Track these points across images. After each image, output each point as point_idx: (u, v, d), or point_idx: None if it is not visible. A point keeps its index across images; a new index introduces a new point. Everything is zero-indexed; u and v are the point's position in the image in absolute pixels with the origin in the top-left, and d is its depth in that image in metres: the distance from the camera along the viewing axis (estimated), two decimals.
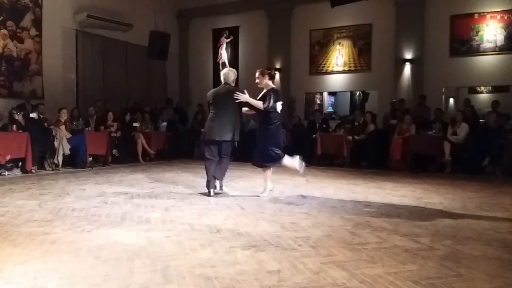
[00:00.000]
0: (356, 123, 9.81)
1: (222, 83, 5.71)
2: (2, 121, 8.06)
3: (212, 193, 5.49)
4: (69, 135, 8.52)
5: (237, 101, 5.44)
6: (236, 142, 5.73)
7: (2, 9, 9.28)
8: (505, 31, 9.62)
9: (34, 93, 9.71)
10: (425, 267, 2.86)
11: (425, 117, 9.70)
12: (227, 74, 5.70)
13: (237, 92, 5.46)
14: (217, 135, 5.48)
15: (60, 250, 3.18)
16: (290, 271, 2.76)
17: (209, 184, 5.54)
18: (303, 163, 5.67)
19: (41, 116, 8.52)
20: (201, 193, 5.67)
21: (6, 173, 7.49)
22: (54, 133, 8.25)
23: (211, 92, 5.80)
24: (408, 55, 10.52)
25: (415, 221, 4.21)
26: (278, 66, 12.20)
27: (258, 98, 5.49)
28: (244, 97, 5.44)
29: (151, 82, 12.88)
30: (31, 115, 8.21)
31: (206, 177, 5.60)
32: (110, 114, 9.75)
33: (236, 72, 5.86)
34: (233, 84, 5.72)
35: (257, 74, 5.63)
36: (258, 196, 5.54)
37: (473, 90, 13.04)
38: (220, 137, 5.47)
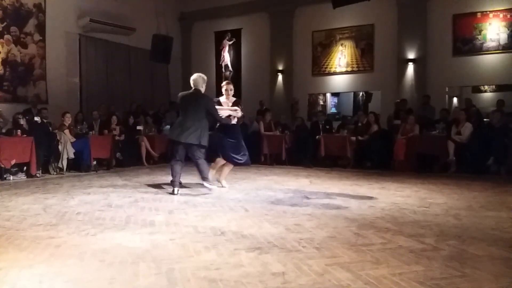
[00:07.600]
0: (360, 124, 9.79)
1: (192, 88, 5.87)
2: (6, 126, 8.10)
3: (176, 192, 5.83)
4: (73, 139, 8.54)
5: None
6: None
7: (6, 14, 9.34)
8: (508, 29, 9.59)
9: (38, 97, 9.74)
10: (430, 267, 2.85)
11: (430, 117, 9.66)
12: (196, 79, 5.87)
13: (237, 108, 5.99)
14: (181, 137, 5.67)
15: (65, 254, 3.19)
16: (294, 273, 2.76)
17: (173, 184, 5.90)
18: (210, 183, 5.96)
19: (45, 120, 8.56)
20: (168, 193, 5.91)
21: (11, 177, 7.53)
22: (58, 137, 8.27)
23: (180, 95, 6.02)
24: (411, 55, 10.50)
25: (419, 222, 4.20)
26: (280, 67, 12.23)
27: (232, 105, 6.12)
28: (232, 112, 6.05)
29: (154, 85, 12.94)
30: (36, 118, 8.25)
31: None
32: (114, 117, 9.77)
33: (205, 78, 5.99)
34: (202, 89, 5.87)
35: (231, 86, 6.22)
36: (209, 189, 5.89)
37: (477, 89, 13.00)
38: (185, 139, 5.66)
